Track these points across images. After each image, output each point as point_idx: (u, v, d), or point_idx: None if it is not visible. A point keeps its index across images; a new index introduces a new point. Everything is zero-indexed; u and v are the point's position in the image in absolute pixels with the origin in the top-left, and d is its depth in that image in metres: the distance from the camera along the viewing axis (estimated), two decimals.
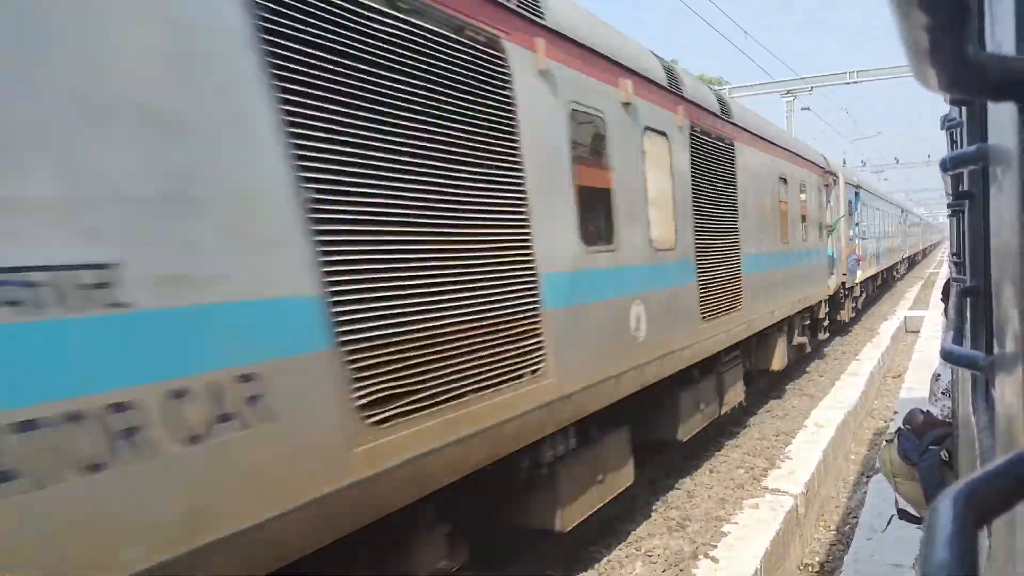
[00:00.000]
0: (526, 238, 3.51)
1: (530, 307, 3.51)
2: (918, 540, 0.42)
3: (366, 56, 2.58)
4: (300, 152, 2.27)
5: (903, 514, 3.22)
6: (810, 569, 4.73)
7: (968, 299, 1.80)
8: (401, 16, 2.78)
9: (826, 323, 12.08)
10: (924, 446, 2.96)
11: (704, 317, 5.86)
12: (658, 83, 5.28)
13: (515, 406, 3.36)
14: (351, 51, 2.52)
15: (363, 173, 2.54)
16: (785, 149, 8.99)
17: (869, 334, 13.02)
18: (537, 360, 3.55)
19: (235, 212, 2.09)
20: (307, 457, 2.21)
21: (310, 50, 2.35)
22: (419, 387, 2.73)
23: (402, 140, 2.74)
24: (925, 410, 3.19)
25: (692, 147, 5.78)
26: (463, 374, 3.01)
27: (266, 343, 2.10)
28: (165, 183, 1.92)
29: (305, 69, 2.32)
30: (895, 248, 25.50)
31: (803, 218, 9.77)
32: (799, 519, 4.79)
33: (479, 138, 3.20)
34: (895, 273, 27.83)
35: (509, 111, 3.44)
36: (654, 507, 5.28)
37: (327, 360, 2.29)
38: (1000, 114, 0.73)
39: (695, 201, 5.76)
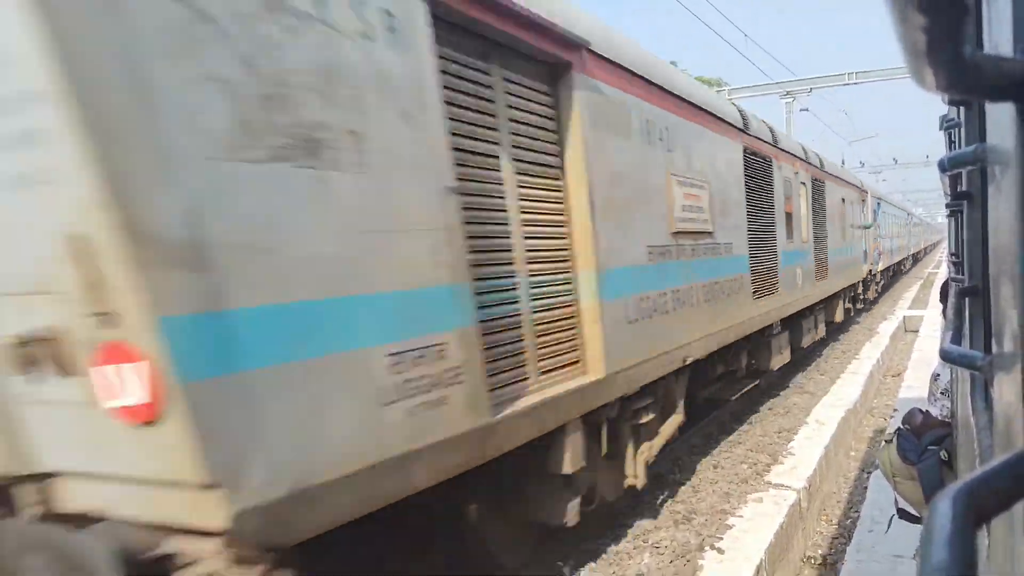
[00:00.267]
0: (772, 237, 7.66)
1: (774, 266, 7.66)
2: (918, 532, 0.42)
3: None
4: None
5: (903, 514, 3.22)
6: (813, 561, 4.74)
7: (967, 299, 1.80)
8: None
9: (861, 297, 17.09)
10: (923, 446, 2.96)
11: (818, 279, 10.08)
12: (806, 160, 9.45)
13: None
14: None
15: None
16: (843, 180, 13.40)
17: (868, 333, 13.02)
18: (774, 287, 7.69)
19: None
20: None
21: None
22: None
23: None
24: (924, 410, 3.19)
25: (814, 192, 9.99)
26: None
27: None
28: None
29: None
30: (903, 246, 31.58)
31: (851, 225, 13.91)
32: (802, 513, 4.81)
33: (761, 199, 7.27)
34: (902, 267, 33.17)
35: (768, 177, 7.53)
36: (660, 501, 5.30)
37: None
38: (998, 114, 0.73)
39: (823, 220, 10.63)
